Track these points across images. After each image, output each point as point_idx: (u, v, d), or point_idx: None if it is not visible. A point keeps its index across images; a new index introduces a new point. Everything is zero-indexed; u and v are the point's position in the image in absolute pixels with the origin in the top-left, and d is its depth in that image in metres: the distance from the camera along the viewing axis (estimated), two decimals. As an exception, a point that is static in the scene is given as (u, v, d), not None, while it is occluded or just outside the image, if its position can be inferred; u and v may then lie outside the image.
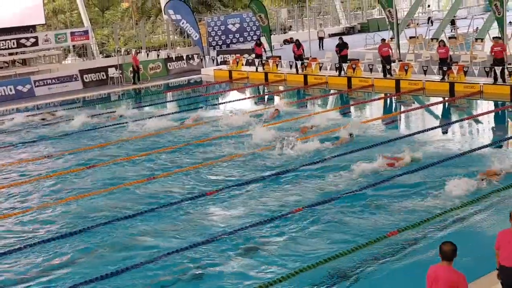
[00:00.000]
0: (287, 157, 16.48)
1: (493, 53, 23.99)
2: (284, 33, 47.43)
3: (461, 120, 20.69)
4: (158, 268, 10.55)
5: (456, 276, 6.87)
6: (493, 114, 21.71)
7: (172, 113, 24.18)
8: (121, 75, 32.38)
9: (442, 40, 27.21)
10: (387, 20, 31.93)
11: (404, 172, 14.52)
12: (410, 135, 18.43)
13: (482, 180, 13.43)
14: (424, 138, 17.82)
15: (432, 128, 19.13)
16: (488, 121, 20.72)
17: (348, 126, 18.39)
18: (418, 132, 18.53)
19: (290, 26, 49.81)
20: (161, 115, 23.33)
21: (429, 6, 56.78)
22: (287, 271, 10.02)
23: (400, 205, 12.63)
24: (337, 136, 17.98)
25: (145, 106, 27.26)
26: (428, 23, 38.44)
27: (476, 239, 10.86)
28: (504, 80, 23.10)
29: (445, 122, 20.79)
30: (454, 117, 21.82)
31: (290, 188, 14.19)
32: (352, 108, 24.46)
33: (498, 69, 23.19)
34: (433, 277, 6.99)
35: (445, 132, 19.23)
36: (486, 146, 16.86)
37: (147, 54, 35.88)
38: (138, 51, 33.83)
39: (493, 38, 25.34)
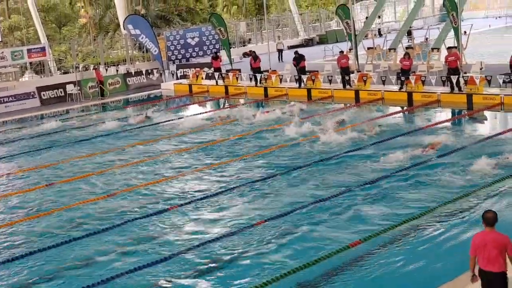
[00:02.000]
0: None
1: (447, 63, 24.41)
2: (244, 46, 47.57)
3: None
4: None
5: (502, 237, 7.80)
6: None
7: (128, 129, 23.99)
8: (79, 92, 31.99)
9: (407, 53, 27.21)
10: (345, 31, 32.39)
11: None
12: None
13: None
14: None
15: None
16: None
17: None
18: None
19: (250, 39, 50.01)
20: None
21: (379, 17, 57.43)
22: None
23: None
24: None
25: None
26: (378, 34, 38.85)
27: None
28: (460, 89, 23.51)
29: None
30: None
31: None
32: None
33: (454, 78, 23.58)
34: (481, 243, 7.81)
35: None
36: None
37: (106, 70, 35.55)
38: (95, 67, 33.48)
39: (447, 48, 25.76)
